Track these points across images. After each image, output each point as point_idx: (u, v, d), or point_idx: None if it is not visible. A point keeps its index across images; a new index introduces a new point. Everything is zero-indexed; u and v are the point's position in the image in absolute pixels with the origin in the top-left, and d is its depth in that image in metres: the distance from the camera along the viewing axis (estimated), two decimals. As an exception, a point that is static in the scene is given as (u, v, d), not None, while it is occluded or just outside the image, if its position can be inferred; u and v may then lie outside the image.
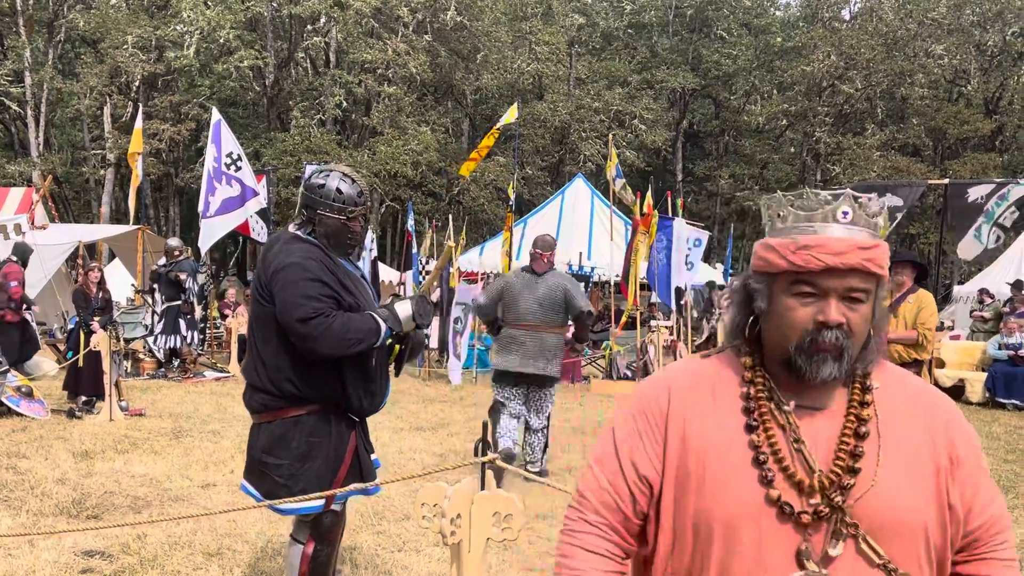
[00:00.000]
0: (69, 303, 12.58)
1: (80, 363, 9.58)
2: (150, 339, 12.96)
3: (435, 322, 14.26)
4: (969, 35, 38.97)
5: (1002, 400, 12.19)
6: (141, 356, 13.12)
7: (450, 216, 18.56)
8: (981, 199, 10.14)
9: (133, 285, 16.02)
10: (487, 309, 7.36)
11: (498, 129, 14.61)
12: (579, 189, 20.72)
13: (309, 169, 14.36)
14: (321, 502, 3.54)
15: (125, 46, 30.77)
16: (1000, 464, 8.30)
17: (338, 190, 3.61)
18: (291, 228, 3.70)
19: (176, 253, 12.89)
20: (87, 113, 34.08)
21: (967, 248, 10.07)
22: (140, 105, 25.51)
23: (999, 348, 12.54)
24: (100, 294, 10.23)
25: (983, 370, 12.74)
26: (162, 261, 13.04)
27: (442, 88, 39.20)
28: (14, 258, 11.45)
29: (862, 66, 36.48)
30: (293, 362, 3.51)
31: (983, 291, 14.88)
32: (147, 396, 10.76)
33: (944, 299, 20.81)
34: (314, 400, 3.55)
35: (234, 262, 38.80)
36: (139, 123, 16.31)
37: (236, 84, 33.75)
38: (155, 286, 12.88)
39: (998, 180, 10.59)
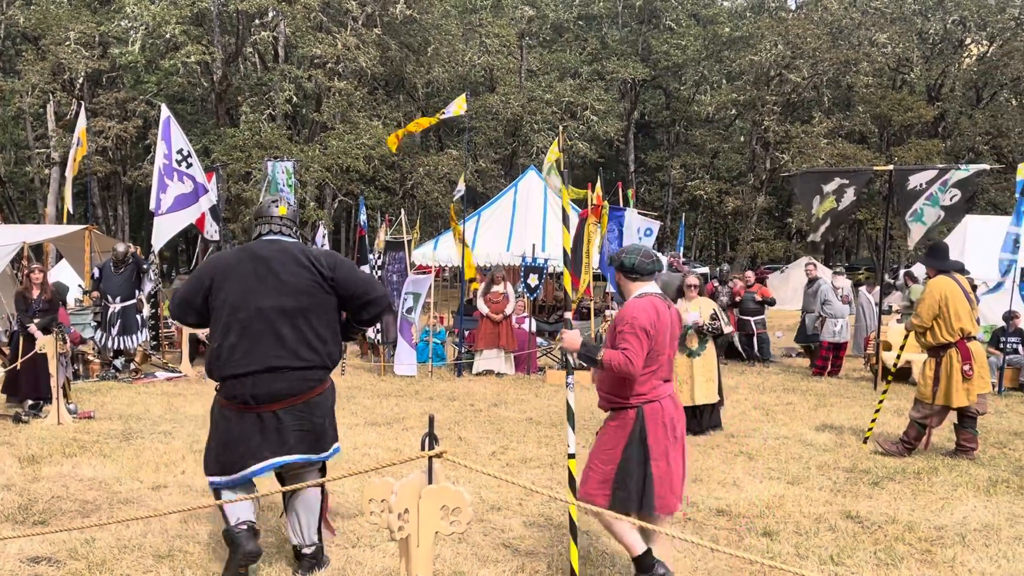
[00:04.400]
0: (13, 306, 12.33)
1: (19, 366, 9.40)
2: (98, 337, 12.75)
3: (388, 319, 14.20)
4: (911, 23, 39.68)
5: (947, 381, 12.42)
6: (90, 358, 12.89)
7: (403, 210, 18.49)
8: (921, 186, 10.33)
9: (81, 286, 15.71)
10: None
11: (439, 116, 14.55)
12: (532, 181, 20.68)
13: (270, 165, 14.25)
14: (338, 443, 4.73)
15: (67, 42, 30.14)
16: (945, 443, 8.47)
17: None
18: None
19: (128, 258, 12.78)
20: (30, 111, 33.33)
21: (916, 233, 10.30)
22: (83, 103, 25.03)
23: (943, 330, 12.78)
24: (42, 295, 10.01)
25: (928, 352, 12.97)
26: (98, 263, 12.96)
27: (393, 82, 38.98)
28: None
29: (808, 55, 36.95)
30: (338, 338, 4.67)
31: (907, 274, 15.10)
32: (96, 398, 10.59)
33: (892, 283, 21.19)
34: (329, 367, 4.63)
35: (194, 260, 38.25)
36: (82, 122, 15.99)
37: (183, 80, 33.22)
38: (101, 286, 12.72)
39: (940, 166, 10.77)
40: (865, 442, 8.28)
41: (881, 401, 8.61)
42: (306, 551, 4.65)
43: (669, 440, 4.30)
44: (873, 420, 8.51)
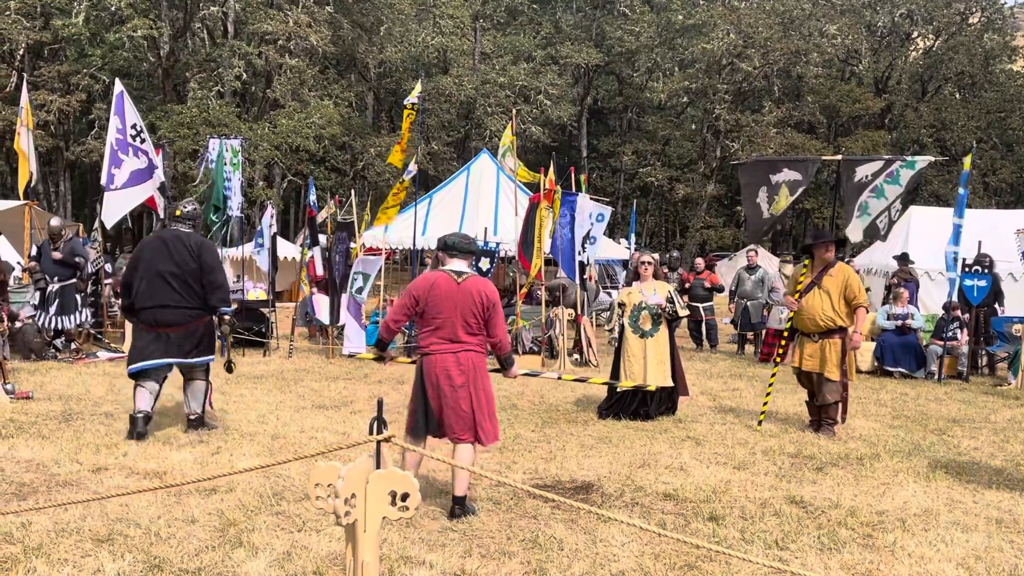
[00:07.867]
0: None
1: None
2: (39, 317, 12.42)
3: (322, 301, 14.09)
4: (860, 16, 40.28)
5: (889, 368, 12.69)
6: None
7: (353, 191, 18.29)
8: (867, 178, 10.35)
9: (20, 263, 15.32)
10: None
11: (412, 108, 14.29)
12: (484, 164, 20.60)
13: (213, 143, 13.95)
14: (212, 356, 7.71)
15: (7, 12, 29.26)
16: (887, 429, 8.64)
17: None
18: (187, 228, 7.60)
19: (64, 233, 12.44)
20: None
21: (856, 230, 10.34)
22: (25, 75, 24.35)
23: (887, 318, 13.04)
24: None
25: (872, 340, 13.24)
26: (38, 241, 12.61)
27: (345, 61, 38.53)
28: None
29: (760, 45, 37.32)
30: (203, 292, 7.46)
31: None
32: (35, 378, 10.33)
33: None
34: (205, 310, 7.50)
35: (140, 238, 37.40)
36: (24, 96, 15.50)
37: (129, 54, 32.45)
38: (37, 266, 12.37)
39: (887, 156, 10.81)
40: (760, 422, 8.57)
41: (771, 385, 8.86)
42: (193, 417, 7.60)
43: (445, 384, 5.46)
44: (767, 395, 8.77)
